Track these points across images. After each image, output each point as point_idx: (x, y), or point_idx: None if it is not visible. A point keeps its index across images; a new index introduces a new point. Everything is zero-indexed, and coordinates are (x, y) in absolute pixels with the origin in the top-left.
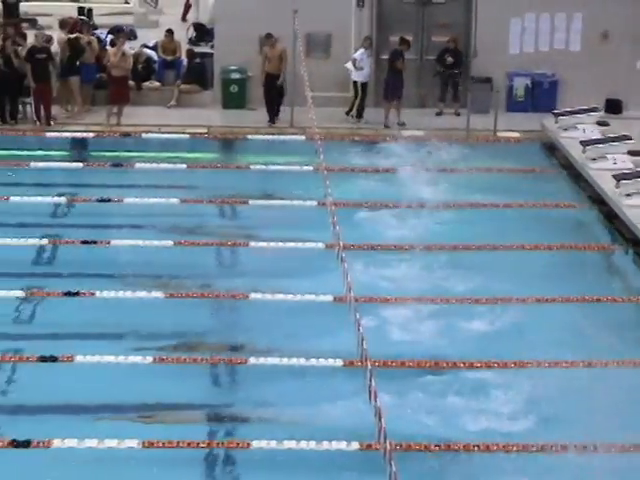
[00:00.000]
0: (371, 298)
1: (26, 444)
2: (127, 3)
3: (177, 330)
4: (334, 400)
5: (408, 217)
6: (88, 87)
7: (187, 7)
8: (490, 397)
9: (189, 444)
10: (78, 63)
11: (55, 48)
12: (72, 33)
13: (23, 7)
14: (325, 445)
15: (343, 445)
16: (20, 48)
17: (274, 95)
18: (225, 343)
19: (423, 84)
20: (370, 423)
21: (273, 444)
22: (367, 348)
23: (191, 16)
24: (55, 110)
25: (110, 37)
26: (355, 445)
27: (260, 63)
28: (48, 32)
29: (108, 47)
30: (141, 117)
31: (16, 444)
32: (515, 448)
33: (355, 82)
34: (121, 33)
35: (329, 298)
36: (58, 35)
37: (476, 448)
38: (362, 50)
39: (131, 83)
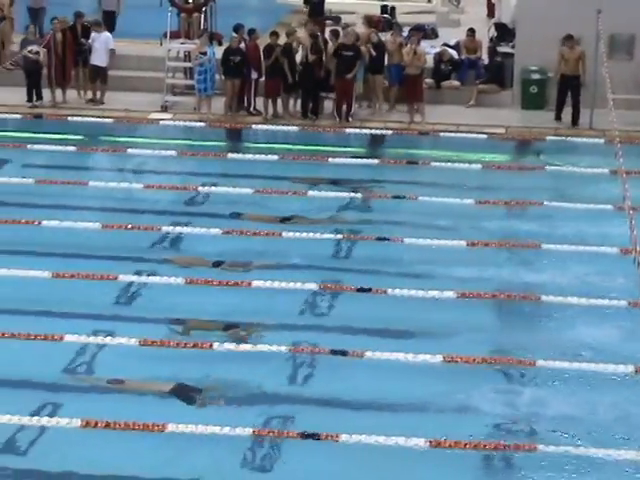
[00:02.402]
0: None
1: (315, 436)
2: (430, 2)
3: (467, 330)
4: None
5: None
6: (393, 86)
7: (491, 3)
8: None
9: (475, 445)
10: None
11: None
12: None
13: (327, 5)
14: (615, 453)
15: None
16: (329, 45)
17: (571, 96)
18: (512, 345)
19: None
20: None
21: (561, 449)
22: None
23: (494, 14)
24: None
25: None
26: None
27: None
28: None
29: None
30: (439, 116)
31: (305, 436)
32: None
33: None
34: (414, 32)
35: (623, 303)
36: (362, 32)
37: None
38: None
39: (430, 81)
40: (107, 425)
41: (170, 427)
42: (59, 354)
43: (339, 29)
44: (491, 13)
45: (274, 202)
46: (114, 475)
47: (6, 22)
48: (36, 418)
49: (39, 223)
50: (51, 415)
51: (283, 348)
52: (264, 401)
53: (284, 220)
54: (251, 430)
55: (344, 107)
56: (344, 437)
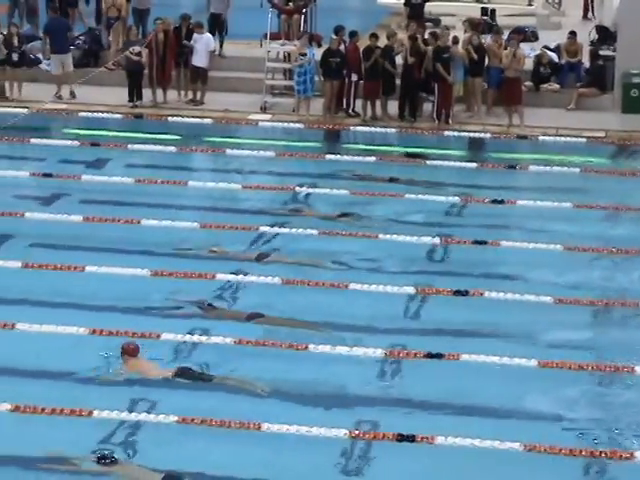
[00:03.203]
0: None
1: (411, 439)
2: (530, 4)
3: (563, 334)
4: None
5: None
6: (492, 89)
7: (586, 5)
8: None
9: (571, 451)
10: (485, 65)
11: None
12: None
13: (428, 7)
14: None
15: None
16: (430, 48)
17: None
18: (610, 351)
19: None
20: None
21: None
22: None
23: (595, 17)
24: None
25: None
26: None
27: None
28: (452, 32)
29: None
30: (539, 119)
31: (401, 438)
32: None
33: None
34: (514, 34)
35: None
36: (464, 36)
37: None
38: None
39: (529, 84)
40: (203, 422)
41: (265, 426)
42: (156, 352)
43: (438, 31)
44: (585, 15)
45: (370, 203)
46: (209, 474)
47: (120, 22)
48: (134, 414)
49: (138, 222)
50: (148, 411)
51: (379, 351)
52: (359, 403)
53: (340, 217)
54: (346, 432)
55: (443, 110)
56: (439, 439)
